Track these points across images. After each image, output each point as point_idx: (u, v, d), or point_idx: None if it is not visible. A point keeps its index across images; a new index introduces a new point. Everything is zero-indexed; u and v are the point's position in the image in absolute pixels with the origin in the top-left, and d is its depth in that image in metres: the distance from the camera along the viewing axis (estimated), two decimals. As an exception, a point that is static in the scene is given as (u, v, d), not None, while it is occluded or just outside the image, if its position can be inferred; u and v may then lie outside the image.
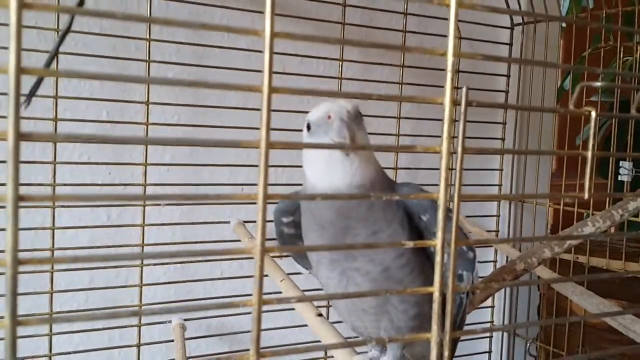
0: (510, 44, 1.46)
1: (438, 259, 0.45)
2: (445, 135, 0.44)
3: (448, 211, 0.44)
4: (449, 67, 0.43)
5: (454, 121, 0.46)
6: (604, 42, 1.43)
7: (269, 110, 0.40)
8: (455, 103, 0.44)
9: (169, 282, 1.15)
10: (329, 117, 0.65)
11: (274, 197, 0.43)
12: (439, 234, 0.45)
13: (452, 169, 0.43)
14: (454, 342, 0.82)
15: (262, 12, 0.38)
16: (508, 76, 1.46)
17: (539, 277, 1.08)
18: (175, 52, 1.12)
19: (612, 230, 1.79)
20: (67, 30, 0.70)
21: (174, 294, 1.16)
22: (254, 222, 1.00)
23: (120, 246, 1.09)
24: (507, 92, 1.46)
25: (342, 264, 0.71)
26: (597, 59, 1.41)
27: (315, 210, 0.70)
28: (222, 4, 1.14)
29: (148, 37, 1.04)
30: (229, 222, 1.13)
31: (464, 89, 0.44)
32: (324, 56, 1.23)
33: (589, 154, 0.49)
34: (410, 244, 0.46)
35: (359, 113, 0.69)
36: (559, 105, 1.60)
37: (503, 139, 1.47)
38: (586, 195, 0.50)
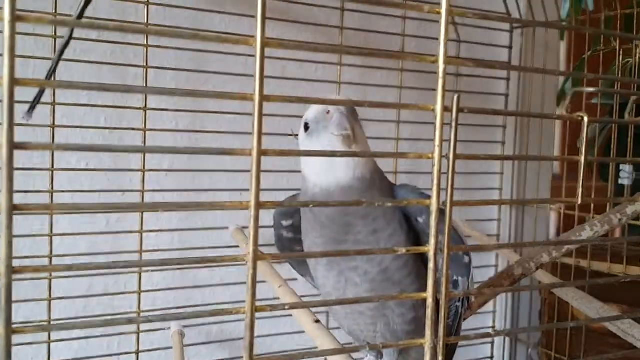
0: (510, 47, 1.46)
1: (431, 265, 0.45)
2: (437, 142, 0.44)
3: (441, 213, 0.44)
4: (440, 74, 0.44)
5: (449, 126, 0.46)
6: (605, 45, 1.42)
7: (261, 118, 0.40)
8: (446, 110, 0.45)
9: (167, 289, 1.14)
10: (328, 112, 0.67)
11: (266, 205, 0.43)
12: (432, 241, 0.45)
13: (444, 173, 0.43)
14: (451, 349, 0.82)
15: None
16: (508, 79, 1.46)
17: (539, 282, 1.08)
18: (173, 58, 1.12)
19: (618, 233, 1.79)
20: (67, 43, 0.70)
21: (174, 300, 1.16)
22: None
23: (119, 253, 1.09)
24: (507, 95, 1.46)
25: (340, 263, 0.71)
26: (599, 59, 1.40)
27: (317, 208, 0.70)
28: (220, 9, 1.14)
29: (146, 43, 1.04)
30: (227, 228, 1.13)
31: (455, 97, 0.44)
32: (323, 60, 1.23)
33: (582, 159, 0.49)
34: (402, 250, 0.46)
35: (355, 109, 0.71)
36: (561, 107, 1.59)
37: (503, 143, 1.46)
38: (579, 201, 0.49)
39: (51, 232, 1.02)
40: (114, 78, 1.08)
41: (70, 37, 0.74)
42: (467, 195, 1.42)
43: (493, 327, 1.50)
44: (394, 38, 1.29)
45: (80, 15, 0.76)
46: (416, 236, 0.72)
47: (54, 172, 1.01)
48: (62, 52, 0.76)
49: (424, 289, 0.63)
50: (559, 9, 1.41)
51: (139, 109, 1.06)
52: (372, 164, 0.70)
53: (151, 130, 1.07)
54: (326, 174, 0.68)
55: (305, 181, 0.71)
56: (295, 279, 0.96)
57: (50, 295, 1.03)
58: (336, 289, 0.73)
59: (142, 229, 1.09)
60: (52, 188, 1.00)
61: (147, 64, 1.05)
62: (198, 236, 1.16)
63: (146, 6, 1.04)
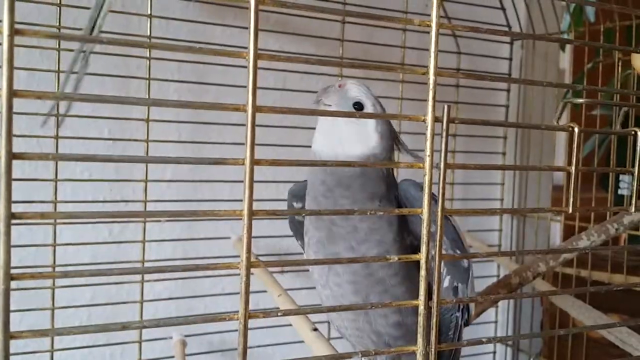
0: (510, 59, 1.47)
1: (422, 273, 0.46)
2: (427, 152, 0.45)
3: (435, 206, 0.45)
4: (431, 86, 0.44)
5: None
6: (606, 57, 1.43)
7: (254, 129, 0.41)
8: (437, 120, 0.45)
9: (169, 298, 1.15)
10: (340, 85, 0.73)
11: (259, 214, 0.44)
12: (423, 248, 0.45)
13: (435, 183, 0.44)
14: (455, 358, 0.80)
15: (264, 30, 0.39)
16: (508, 90, 1.47)
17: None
18: (175, 69, 1.14)
19: (624, 242, 1.79)
20: (83, 57, 0.71)
21: (175, 310, 1.17)
22: (254, 237, 1.01)
23: (122, 262, 1.10)
24: (507, 106, 1.47)
25: (325, 246, 0.71)
26: (600, 70, 1.40)
27: (316, 179, 0.71)
28: (222, 22, 1.15)
29: (148, 55, 1.05)
30: (229, 238, 1.14)
31: (445, 107, 0.45)
32: (323, 72, 1.24)
33: (572, 169, 0.50)
34: (394, 258, 0.47)
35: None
36: (555, 119, 1.59)
37: (504, 153, 1.47)
38: (570, 210, 0.50)
39: (54, 241, 1.03)
40: (117, 90, 1.09)
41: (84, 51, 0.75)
42: (468, 205, 1.43)
43: (495, 336, 1.50)
44: (395, 49, 1.30)
45: (92, 30, 0.77)
46: (405, 229, 0.72)
47: (57, 182, 1.02)
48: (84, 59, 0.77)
49: (412, 291, 0.64)
50: (559, 21, 1.42)
51: (142, 120, 1.07)
52: (374, 147, 0.70)
53: (153, 141, 1.08)
54: (326, 147, 0.71)
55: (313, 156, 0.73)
56: (295, 289, 0.97)
57: (53, 304, 1.03)
58: (320, 275, 0.73)
59: (144, 238, 1.09)
60: (56, 198, 1.01)
61: (149, 75, 1.06)
62: (200, 246, 1.17)
63: (149, 19, 1.05)
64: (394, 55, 1.30)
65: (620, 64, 1.23)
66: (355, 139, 0.69)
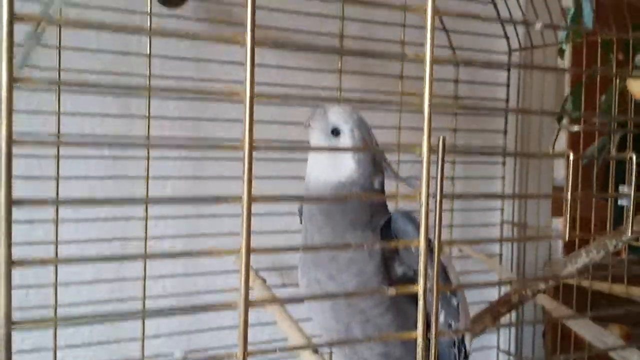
0: (508, 69, 1.46)
1: (420, 305, 0.46)
2: (423, 181, 0.45)
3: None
4: (426, 117, 0.45)
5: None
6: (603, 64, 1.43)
7: (251, 166, 0.41)
8: (432, 150, 0.46)
9: (172, 308, 1.15)
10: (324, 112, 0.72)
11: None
12: (420, 280, 0.46)
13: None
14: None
15: (263, 47, 0.39)
16: (507, 100, 1.47)
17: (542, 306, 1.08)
18: (175, 66, 1.13)
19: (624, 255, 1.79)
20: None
21: (179, 325, 1.17)
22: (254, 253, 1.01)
23: (124, 279, 1.10)
24: (506, 109, 1.47)
25: (310, 271, 0.72)
26: (600, 80, 1.40)
27: (306, 209, 0.72)
28: (219, 38, 1.15)
29: (149, 52, 1.04)
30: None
31: (441, 138, 0.45)
32: (324, 68, 1.23)
33: (568, 195, 0.50)
34: (392, 290, 0.47)
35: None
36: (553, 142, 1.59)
37: (504, 164, 1.47)
38: (567, 238, 0.51)
39: (56, 281, 1.03)
40: (119, 107, 1.09)
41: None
42: (468, 216, 1.42)
43: (497, 346, 1.50)
44: (394, 45, 1.29)
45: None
46: (395, 259, 0.71)
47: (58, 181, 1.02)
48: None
49: (397, 323, 0.63)
50: (556, 32, 1.42)
51: (142, 117, 1.06)
52: (350, 174, 0.70)
53: (155, 158, 1.08)
54: (311, 172, 0.72)
55: None
56: (295, 304, 0.97)
57: (55, 320, 1.03)
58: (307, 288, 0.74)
59: (145, 252, 1.09)
60: (57, 199, 1.01)
61: (150, 72, 1.04)
62: (201, 260, 1.18)
63: (149, 37, 1.05)
64: (393, 51, 1.30)
65: (617, 80, 1.23)
66: (331, 165, 0.70)
